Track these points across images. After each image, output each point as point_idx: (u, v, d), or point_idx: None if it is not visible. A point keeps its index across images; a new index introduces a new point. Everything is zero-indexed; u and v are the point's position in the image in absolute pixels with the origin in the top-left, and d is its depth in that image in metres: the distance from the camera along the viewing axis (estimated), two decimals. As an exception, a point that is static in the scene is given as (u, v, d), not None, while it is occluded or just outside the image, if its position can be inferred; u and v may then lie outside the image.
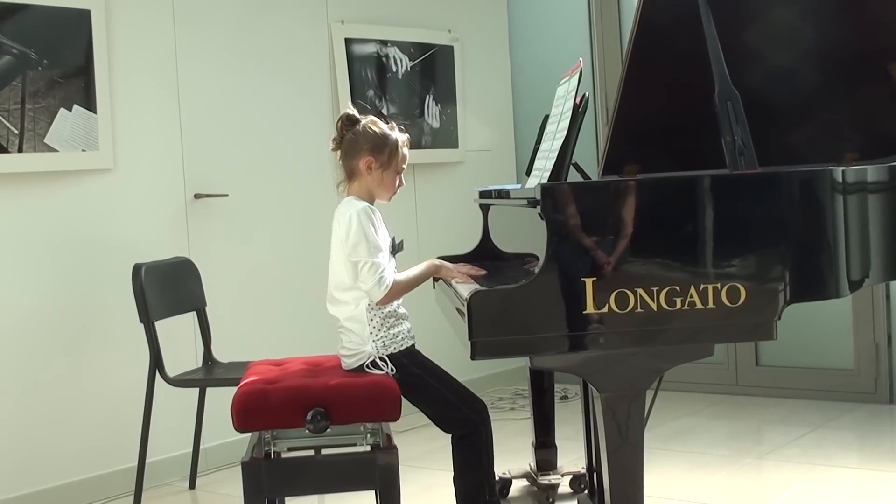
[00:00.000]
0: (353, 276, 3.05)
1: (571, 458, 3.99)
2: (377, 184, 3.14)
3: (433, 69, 5.57)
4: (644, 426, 2.64)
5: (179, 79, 4.48)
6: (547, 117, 3.39)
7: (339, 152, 3.19)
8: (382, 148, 3.12)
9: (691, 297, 2.53)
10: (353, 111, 3.20)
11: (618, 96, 2.92)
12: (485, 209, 3.86)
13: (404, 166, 3.19)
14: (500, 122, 6.05)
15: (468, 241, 3.87)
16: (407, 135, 3.22)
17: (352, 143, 3.14)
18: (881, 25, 3.12)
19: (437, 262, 3.19)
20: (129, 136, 4.28)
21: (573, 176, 3.17)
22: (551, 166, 2.98)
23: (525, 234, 3.03)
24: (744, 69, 2.94)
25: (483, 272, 3.30)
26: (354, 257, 3.03)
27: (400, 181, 3.19)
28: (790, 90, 3.17)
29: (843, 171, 2.72)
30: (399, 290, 3.05)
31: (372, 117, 3.20)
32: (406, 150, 3.18)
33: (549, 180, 2.95)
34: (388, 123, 3.19)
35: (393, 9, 5.43)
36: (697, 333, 2.57)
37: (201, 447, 4.32)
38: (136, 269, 3.88)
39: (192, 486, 4.29)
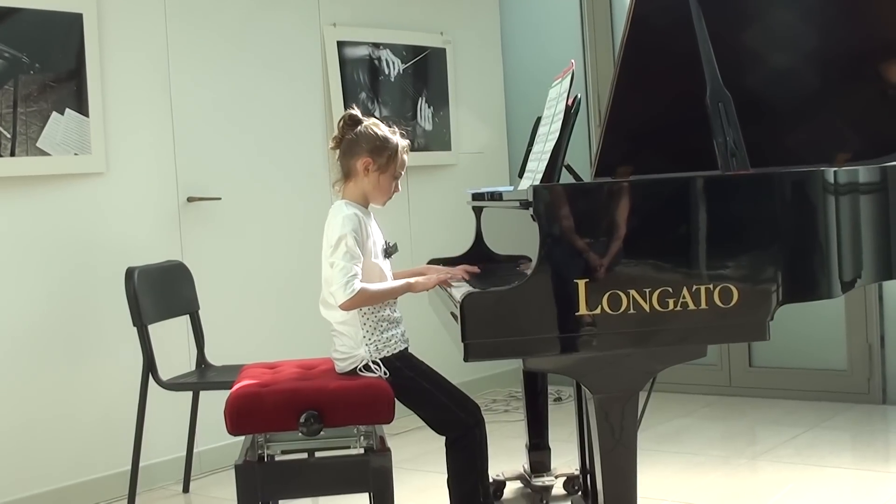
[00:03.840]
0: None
1: (565, 459, 3.99)
2: (372, 186, 3.14)
3: (426, 72, 5.58)
4: (637, 427, 2.64)
5: (172, 82, 4.48)
6: (539, 119, 3.39)
7: (338, 152, 3.19)
8: (382, 151, 3.12)
9: (684, 298, 2.53)
10: (357, 112, 3.19)
11: (610, 98, 2.92)
12: (478, 211, 3.86)
13: (402, 172, 3.18)
14: (493, 125, 6.05)
15: (461, 244, 3.87)
16: (408, 141, 3.21)
17: (352, 143, 3.14)
18: (875, 26, 3.12)
19: (413, 280, 3.15)
20: (121, 140, 4.28)
21: (566, 178, 3.17)
22: (544, 168, 2.98)
23: (518, 236, 3.03)
24: (738, 70, 2.94)
25: (477, 270, 3.30)
26: (331, 258, 3.03)
27: (396, 186, 3.18)
28: (784, 91, 3.18)
29: (835, 172, 2.72)
30: (364, 298, 3.01)
31: (375, 119, 3.20)
32: (405, 156, 3.18)
33: (541, 182, 2.95)
34: (390, 127, 3.19)
35: (385, 12, 5.43)
36: (690, 334, 2.57)
37: (195, 450, 4.32)
38: (129, 272, 3.87)
39: (185, 489, 4.28)
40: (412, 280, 3.14)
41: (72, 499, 4.06)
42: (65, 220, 4.11)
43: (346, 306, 3.01)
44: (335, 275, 3.00)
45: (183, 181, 4.50)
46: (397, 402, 3.01)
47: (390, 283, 3.12)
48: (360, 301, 3.01)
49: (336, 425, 2.97)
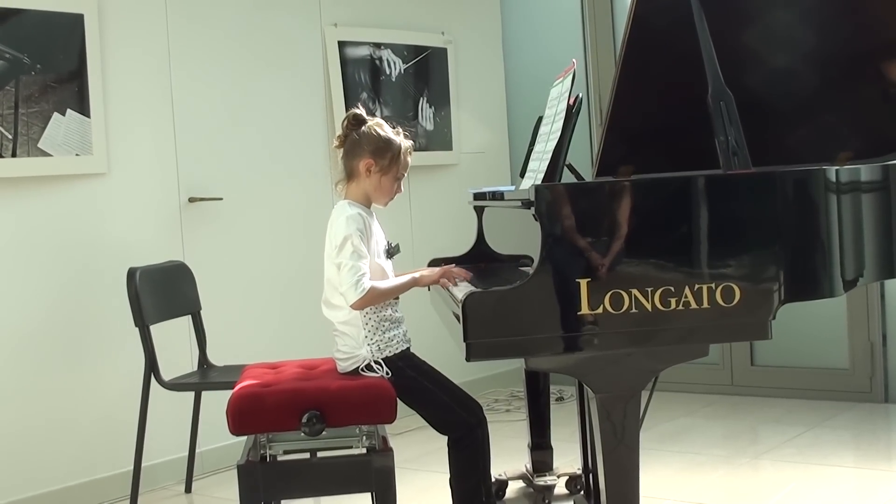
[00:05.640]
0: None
1: (567, 459, 3.99)
2: (374, 187, 3.13)
3: (427, 71, 5.58)
4: (639, 427, 2.64)
5: (173, 82, 4.48)
6: (541, 119, 3.39)
7: (341, 151, 3.18)
8: (384, 152, 3.11)
9: (686, 297, 2.53)
10: (361, 111, 3.18)
11: (611, 97, 2.92)
12: (479, 211, 3.85)
13: (405, 173, 3.17)
14: (495, 124, 6.05)
15: (463, 243, 3.87)
16: (411, 142, 3.20)
17: (355, 143, 3.14)
18: (876, 25, 3.12)
19: (418, 275, 3.16)
20: (123, 141, 4.28)
21: (567, 177, 3.17)
22: (545, 168, 2.98)
23: (520, 236, 3.03)
24: (740, 69, 2.94)
25: (469, 275, 3.29)
26: (337, 259, 3.03)
27: (398, 187, 3.18)
28: (784, 90, 3.18)
29: (836, 171, 2.72)
30: (375, 296, 3.01)
31: (379, 120, 3.19)
32: (409, 158, 3.17)
33: (543, 182, 2.95)
34: (394, 128, 3.19)
35: (386, 11, 5.43)
36: (692, 333, 2.57)
37: (197, 451, 4.32)
38: (131, 273, 3.87)
39: (187, 489, 4.28)
40: (417, 274, 3.15)
41: (74, 499, 4.06)
42: (66, 221, 4.11)
43: (358, 305, 3.01)
44: (344, 275, 3.00)
45: (184, 181, 4.50)
46: (399, 401, 3.00)
47: (398, 280, 3.12)
48: (371, 299, 3.01)
49: (338, 425, 2.97)
